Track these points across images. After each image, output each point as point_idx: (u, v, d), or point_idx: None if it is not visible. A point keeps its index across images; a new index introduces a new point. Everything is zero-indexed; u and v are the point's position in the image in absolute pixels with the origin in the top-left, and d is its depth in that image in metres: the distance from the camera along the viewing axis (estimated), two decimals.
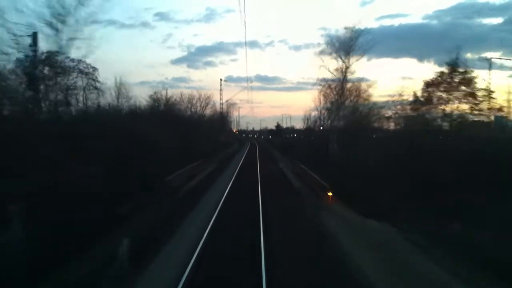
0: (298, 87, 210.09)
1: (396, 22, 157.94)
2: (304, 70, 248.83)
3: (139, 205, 15.62)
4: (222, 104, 57.82)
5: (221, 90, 58.24)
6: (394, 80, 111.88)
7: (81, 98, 53.85)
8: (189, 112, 51.47)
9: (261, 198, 18.56)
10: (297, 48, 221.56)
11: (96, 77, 53.47)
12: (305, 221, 14.80)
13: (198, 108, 54.95)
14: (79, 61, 53.83)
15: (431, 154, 15.90)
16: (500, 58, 26.67)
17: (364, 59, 28.65)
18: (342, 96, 26.57)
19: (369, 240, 12.06)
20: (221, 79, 58.50)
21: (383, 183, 16.03)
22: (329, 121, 30.13)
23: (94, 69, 53.40)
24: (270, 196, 19.61)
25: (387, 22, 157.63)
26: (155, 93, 40.96)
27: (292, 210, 16.75)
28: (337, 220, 14.99)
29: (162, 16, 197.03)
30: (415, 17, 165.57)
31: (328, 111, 29.47)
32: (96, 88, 54.49)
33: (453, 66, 19.09)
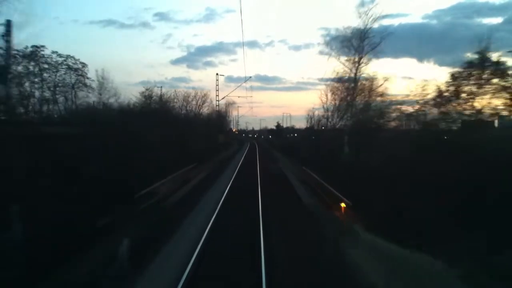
0: (298, 87, 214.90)
1: (396, 22, 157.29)
2: (304, 70, 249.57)
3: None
4: (218, 101, 54.33)
5: (217, 85, 54.41)
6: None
7: (70, 96, 50.78)
8: (184, 111, 49.48)
9: (262, 221, 14.61)
10: (297, 48, 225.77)
11: (85, 73, 50.19)
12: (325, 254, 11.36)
13: (194, 106, 52.67)
14: (68, 56, 49.97)
15: (468, 157, 13.59)
16: None
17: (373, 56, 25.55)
18: (354, 91, 24.05)
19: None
20: (217, 74, 54.64)
21: (410, 193, 13.69)
22: (338, 119, 27.72)
23: (84, 64, 50.06)
24: (272, 210, 16.88)
25: (386, 22, 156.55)
26: (147, 89, 38.73)
27: (303, 234, 13.43)
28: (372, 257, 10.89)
29: (161, 16, 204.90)
30: (415, 17, 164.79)
31: (338, 108, 26.80)
32: (85, 85, 51.11)
33: (484, 55, 16.82)
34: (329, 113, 33.39)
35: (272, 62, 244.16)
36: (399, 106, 21.05)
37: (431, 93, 20.18)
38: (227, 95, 62.71)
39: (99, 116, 28.61)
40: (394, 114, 21.20)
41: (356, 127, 23.63)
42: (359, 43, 24.27)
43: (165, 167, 21.67)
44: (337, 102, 27.41)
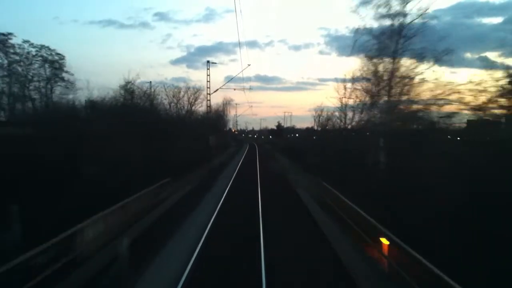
0: (298, 87, 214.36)
1: (396, 22, 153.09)
2: (304, 70, 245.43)
3: None
4: (209, 94, 44.94)
5: (208, 75, 45.11)
6: None
7: (45, 91, 43.94)
8: (174, 109, 43.15)
9: None
10: (296, 48, 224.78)
11: (63, 66, 43.21)
12: None
13: (186, 104, 45.95)
14: (42, 46, 43.05)
15: None
16: None
17: None
18: (392, 76, 17.26)
19: None
20: (208, 62, 45.03)
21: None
22: (363, 117, 21.06)
23: (61, 56, 43.26)
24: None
25: (387, 22, 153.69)
26: (128, 83, 32.05)
27: None
28: None
29: (161, 16, 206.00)
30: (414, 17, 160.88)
31: (366, 103, 19.77)
32: (63, 79, 44.29)
33: None
34: (344, 112, 27.11)
35: (272, 62, 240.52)
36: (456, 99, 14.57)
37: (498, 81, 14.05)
38: (221, 87, 53.71)
39: (47, 115, 22.96)
40: (453, 108, 14.79)
41: (393, 126, 16.96)
42: (400, 8, 17.09)
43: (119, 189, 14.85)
44: (360, 95, 20.77)
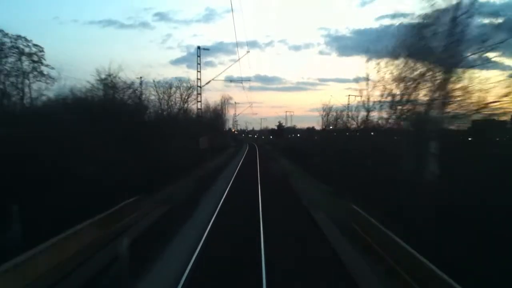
0: (298, 87, 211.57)
1: (396, 22, 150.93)
2: (304, 70, 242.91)
3: None
4: (200, 87, 37.90)
5: (198, 64, 38.21)
6: None
7: (21, 87, 38.87)
8: (165, 106, 38.03)
9: None
10: (297, 48, 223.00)
11: (43, 59, 37.92)
12: None
13: (179, 101, 40.50)
14: (18, 36, 37.77)
15: None
16: None
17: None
18: (450, 56, 12.10)
19: None
20: (199, 48, 37.93)
21: None
22: (391, 115, 16.06)
23: (40, 48, 38.02)
24: None
25: (387, 22, 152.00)
26: (109, 75, 27.12)
27: None
28: None
29: (161, 16, 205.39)
30: (414, 17, 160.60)
31: (409, 91, 14.37)
32: (42, 74, 39.04)
33: None
34: (368, 109, 22.33)
35: (272, 62, 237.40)
36: None
37: None
38: (213, 79, 44.65)
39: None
40: None
41: (447, 126, 11.96)
42: None
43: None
44: (390, 86, 15.74)
